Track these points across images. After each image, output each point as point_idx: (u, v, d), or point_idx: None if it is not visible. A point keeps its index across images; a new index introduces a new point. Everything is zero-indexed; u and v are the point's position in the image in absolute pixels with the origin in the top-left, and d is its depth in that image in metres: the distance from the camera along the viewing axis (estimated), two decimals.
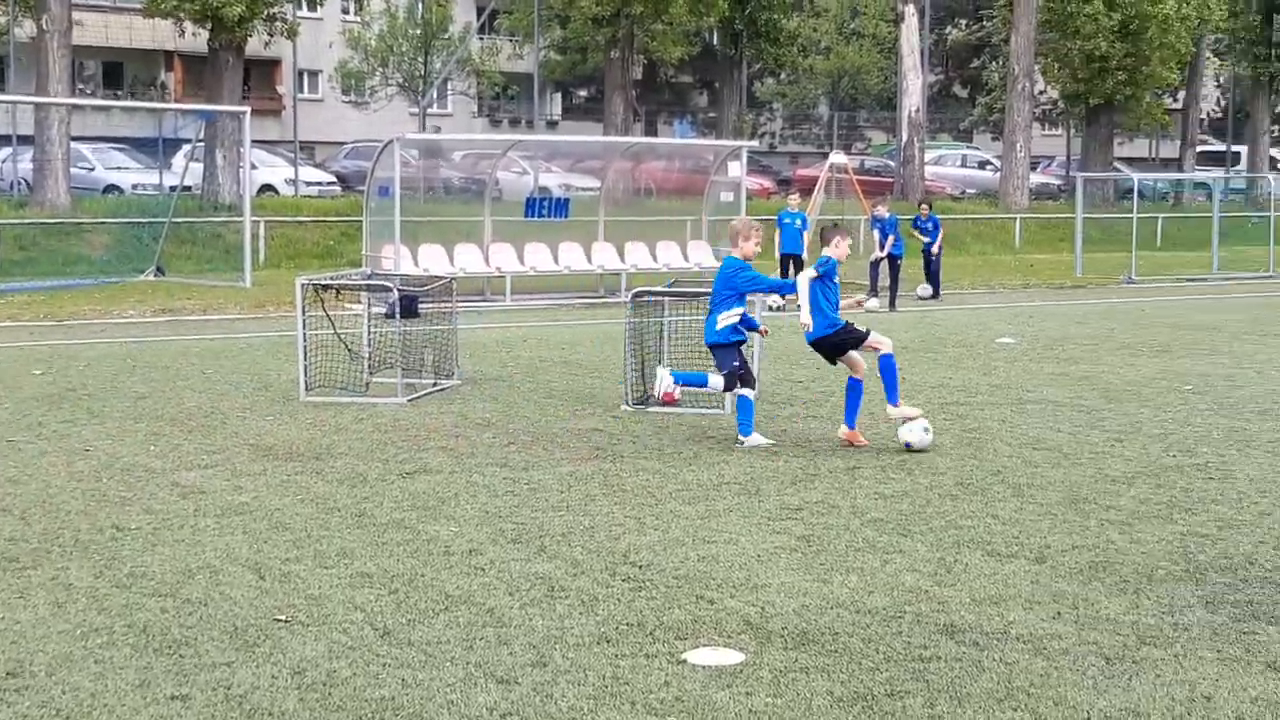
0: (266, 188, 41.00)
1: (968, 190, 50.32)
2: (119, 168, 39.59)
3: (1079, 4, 44.94)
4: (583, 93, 67.28)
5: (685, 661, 6.41)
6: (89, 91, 54.65)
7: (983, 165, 53.92)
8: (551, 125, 63.39)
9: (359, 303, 16.31)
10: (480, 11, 56.14)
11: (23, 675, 6.19)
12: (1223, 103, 69.96)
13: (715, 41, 54.56)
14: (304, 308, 14.15)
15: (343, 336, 14.62)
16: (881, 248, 24.29)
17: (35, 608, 7.12)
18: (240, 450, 11.29)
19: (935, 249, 25.79)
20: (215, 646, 6.58)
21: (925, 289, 25.78)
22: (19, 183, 37.43)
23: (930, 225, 25.88)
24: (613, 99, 43.12)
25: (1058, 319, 22.63)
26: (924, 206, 27.10)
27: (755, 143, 48.63)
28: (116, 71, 57.22)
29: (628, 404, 13.31)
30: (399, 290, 14.54)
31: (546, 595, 7.39)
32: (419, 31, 50.90)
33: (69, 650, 6.51)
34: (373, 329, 15.17)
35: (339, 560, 8.05)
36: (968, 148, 59.70)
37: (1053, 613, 7.20)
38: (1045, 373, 16.04)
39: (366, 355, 14.73)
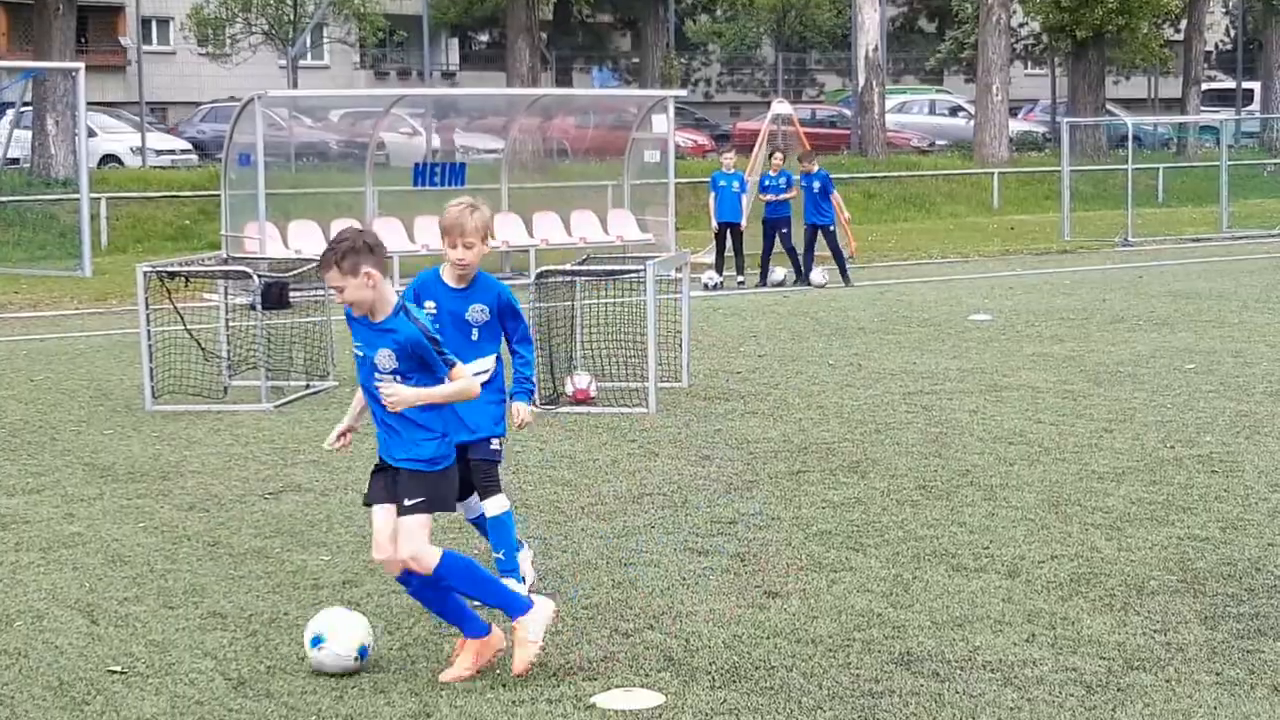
0: (109, 158, 40.63)
1: (937, 141, 50.65)
2: None
3: None
4: (483, 38, 67.10)
5: (594, 706, 6.43)
6: None
7: (954, 112, 54.31)
8: (448, 77, 63.18)
9: (215, 293, 16.18)
10: None
11: None
12: (1232, 33, 70.72)
13: None
14: (147, 300, 14.03)
15: (195, 334, 14.50)
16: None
17: None
18: (73, 471, 11.18)
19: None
20: (36, 705, 6.53)
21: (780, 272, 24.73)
22: None
23: (784, 182, 24.83)
24: (517, 44, 43.03)
25: (1041, 290, 22.82)
26: (777, 158, 25.04)
27: (686, 92, 48.69)
28: None
29: (535, 404, 13.27)
30: (263, 277, 14.45)
31: (432, 632, 7.37)
32: None
33: None
34: (232, 323, 15.06)
35: (187, 599, 8.00)
36: (936, 92, 60.07)
37: (1026, 635, 7.26)
38: (1025, 354, 16.17)
39: (224, 355, 14.62)
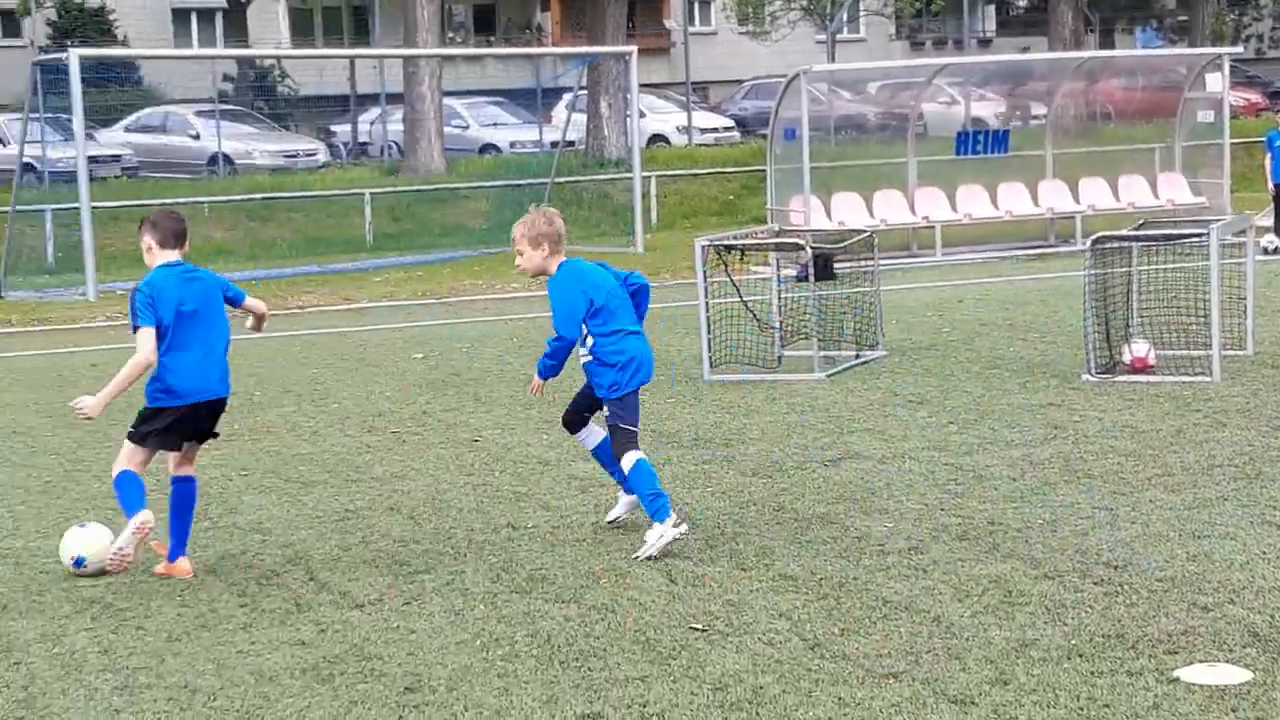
0: (657, 138, 42.09)
1: None
2: (495, 124, 41.41)
3: None
4: (1021, 2, 65.98)
5: (1178, 680, 6.26)
6: (459, 40, 57.31)
7: None
8: (984, 44, 62.49)
9: (766, 265, 16.54)
10: None
11: (422, 690, 6.60)
12: None
13: None
14: (705, 273, 14.46)
15: (750, 305, 14.86)
16: None
17: (431, 615, 7.57)
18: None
19: None
20: (626, 659, 6.84)
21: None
22: (389, 146, 39.73)
23: None
24: (1059, 7, 42.15)
25: None
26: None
27: (1239, 48, 46.42)
28: (488, 16, 59.78)
29: (1090, 373, 13.04)
30: (812, 249, 14.67)
31: (1003, 601, 7.34)
32: None
33: (469, 662, 6.90)
34: (783, 295, 15.36)
35: (758, 561, 8.22)
36: None
37: None
38: None
39: (777, 326, 14.93)
